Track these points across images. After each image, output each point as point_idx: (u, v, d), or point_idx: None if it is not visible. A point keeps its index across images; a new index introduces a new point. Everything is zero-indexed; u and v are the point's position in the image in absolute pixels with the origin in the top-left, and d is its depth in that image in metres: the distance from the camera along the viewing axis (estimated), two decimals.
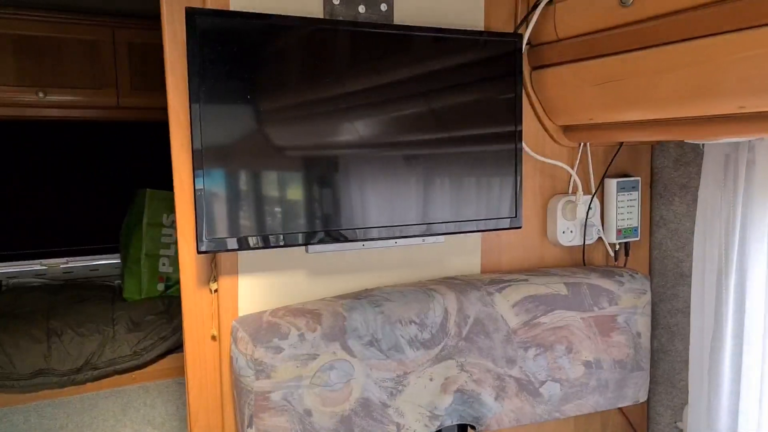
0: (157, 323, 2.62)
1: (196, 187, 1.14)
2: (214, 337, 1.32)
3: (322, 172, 1.25)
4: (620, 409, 1.75)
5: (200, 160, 1.14)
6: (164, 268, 2.92)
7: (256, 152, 1.20)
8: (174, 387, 2.66)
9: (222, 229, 1.18)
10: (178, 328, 2.63)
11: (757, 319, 1.44)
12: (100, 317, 2.58)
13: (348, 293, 1.40)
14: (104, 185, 3.21)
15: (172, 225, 2.94)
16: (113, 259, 3.24)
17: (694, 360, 1.54)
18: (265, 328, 1.23)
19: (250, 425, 1.21)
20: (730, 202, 1.45)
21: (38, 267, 3.11)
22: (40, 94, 2.71)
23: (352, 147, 1.27)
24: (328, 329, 1.26)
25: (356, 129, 1.27)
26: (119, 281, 3.16)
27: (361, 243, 1.34)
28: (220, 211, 1.17)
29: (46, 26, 2.72)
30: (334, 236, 1.28)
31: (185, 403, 2.63)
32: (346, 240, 1.29)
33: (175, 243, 2.93)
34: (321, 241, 1.27)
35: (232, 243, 1.19)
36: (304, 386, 1.23)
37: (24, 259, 3.08)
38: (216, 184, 1.16)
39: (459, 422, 1.43)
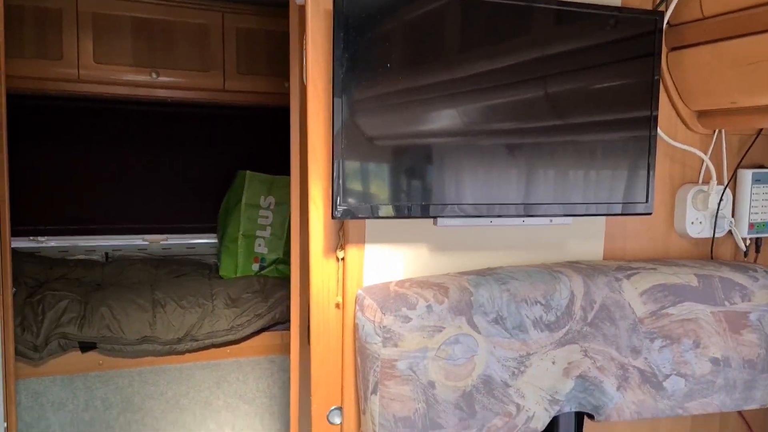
0: (254, 301, 2.69)
1: (334, 153, 1.15)
2: (338, 305, 1.33)
3: (451, 151, 1.24)
4: (740, 412, 1.66)
5: (340, 136, 1.15)
6: (259, 248, 2.99)
7: (391, 130, 1.20)
8: (265, 364, 2.72)
9: (356, 197, 1.19)
10: (273, 306, 2.69)
11: None
12: (200, 292, 2.67)
13: (471, 270, 1.38)
14: (205, 166, 3.32)
15: (270, 207, 3.02)
16: (208, 239, 3.35)
17: None
18: (393, 298, 1.23)
19: (374, 392, 1.21)
20: None
21: (140, 242, 3.25)
22: (153, 75, 2.83)
23: (478, 128, 1.25)
24: (455, 303, 1.25)
25: (484, 110, 1.25)
26: (215, 260, 3.26)
27: (489, 219, 1.32)
28: (354, 179, 1.18)
29: (162, 9, 2.84)
30: (462, 210, 1.26)
31: (276, 381, 2.69)
32: (476, 215, 1.27)
33: (271, 225, 3.00)
34: (450, 214, 1.26)
35: (365, 210, 1.20)
36: (429, 358, 1.22)
37: (127, 234, 3.23)
38: (351, 154, 1.17)
39: (578, 410, 1.39)
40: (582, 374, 1.35)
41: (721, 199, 1.55)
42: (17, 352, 2.27)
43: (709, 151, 1.55)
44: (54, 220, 3.11)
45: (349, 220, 1.29)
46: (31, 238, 3.09)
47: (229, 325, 2.60)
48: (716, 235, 1.57)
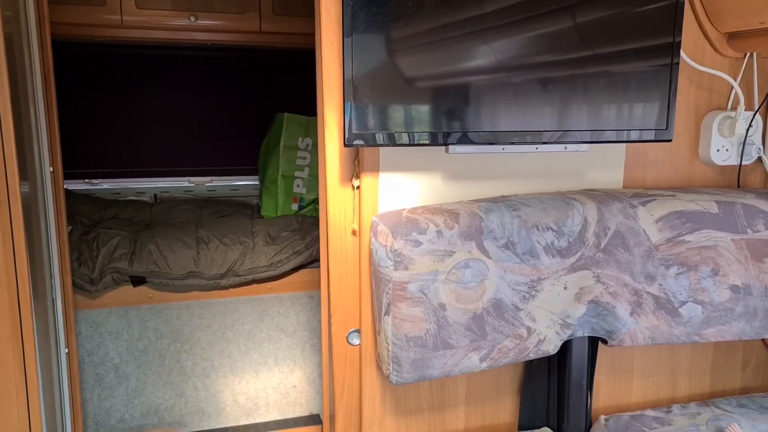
0: (292, 239, 2.79)
1: (345, 78, 1.18)
2: (354, 232, 1.38)
3: (464, 82, 1.25)
4: (765, 342, 1.64)
5: (350, 61, 1.17)
6: (298, 188, 3.07)
7: (403, 57, 1.21)
8: (305, 300, 2.83)
9: (368, 125, 1.22)
10: (311, 244, 2.78)
11: None
12: (242, 230, 2.78)
13: (485, 198, 1.41)
14: (245, 110, 3.40)
15: (307, 148, 3.07)
16: (252, 180, 3.45)
17: None
18: (404, 223, 1.27)
19: (387, 313, 1.27)
20: None
21: (186, 184, 3.39)
22: (192, 18, 2.88)
23: (493, 63, 1.25)
24: (465, 228, 1.28)
25: (499, 45, 1.25)
26: (257, 201, 3.37)
27: (501, 147, 1.34)
28: (367, 106, 1.21)
29: None
30: (474, 138, 1.28)
31: (315, 315, 2.80)
32: (486, 142, 1.28)
33: (309, 166, 3.07)
34: (460, 141, 1.27)
35: (378, 137, 1.23)
36: (439, 281, 1.27)
37: (174, 176, 3.37)
38: (364, 80, 1.19)
39: (591, 334, 1.42)
40: (594, 299, 1.37)
41: (750, 125, 1.50)
42: (75, 285, 2.45)
43: (739, 76, 1.50)
44: (106, 164, 3.28)
45: (363, 149, 1.33)
46: (87, 180, 3.27)
47: (269, 261, 2.70)
48: (744, 163, 1.53)
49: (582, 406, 1.48)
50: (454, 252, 1.27)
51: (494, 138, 1.28)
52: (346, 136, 1.21)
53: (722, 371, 1.66)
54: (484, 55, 1.25)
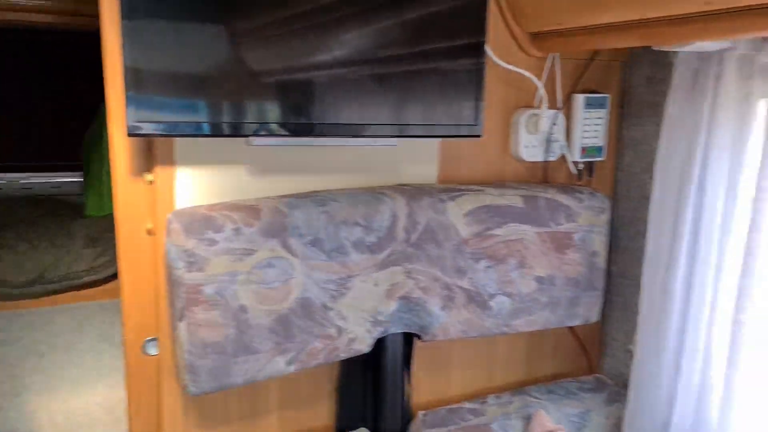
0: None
1: (125, 62, 1.06)
2: (150, 231, 1.26)
3: (260, 70, 1.17)
4: (573, 330, 1.73)
5: (130, 38, 1.05)
6: None
7: (189, 34, 1.11)
8: None
9: (152, 113, 1.10)
10: None
11: (712, 238, 1.40)
12: (56, 231, 2.52)
13: (293, 193, 1.34)
14: (63, 100, 3.09)
15: None
16: (74, 177, 3.15)
17: (648, 281, 1.52)
18: (199, 221, 1.17)
19: (181, 318, 1.17)
20: (695, 119, 1.40)
21: None
22: None
23: (288, 53, 1.18)
24: (266, 225, 1.20)
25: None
26: (83, 198, 3.09)
27: (308, 140, 1.28)
28: (151, 93, 1.09)
29: None
30: (275, 130, 1.19)
31: None
32: (289, 134, 1.21)
33: None
34: (259, 133, 1.19)
35: (162, 127, 1.11)
36: (239, 282, 1.19)
37: None
38: (146, 65, 1.08)
39: (404, 330, 1.40)
40: (405, 295, 1.36)
41: (554, 123, 1.57)
42: None
43: (544, 76, 1.56)
44: None
45: (156, 140, 1.21)
46: None
47: (88, 265, 2.47)
48: (549, 159, 1.60)
49: (398, 404, 1.46)
50: (255, 251, 1.19)
51: (297, 129, 1.22)
52: (129, 124, 1.09)
53: (535, 360, 1.72)
54: (273, 45, 1.18)
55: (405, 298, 1.36)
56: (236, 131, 1.17)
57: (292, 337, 1.25)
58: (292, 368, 1.26)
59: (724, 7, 1.06)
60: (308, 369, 1.30)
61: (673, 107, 1.45)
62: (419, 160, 1.48)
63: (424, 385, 1.58)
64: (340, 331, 1.30)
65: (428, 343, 1.49)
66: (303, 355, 1.27)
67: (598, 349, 1.78)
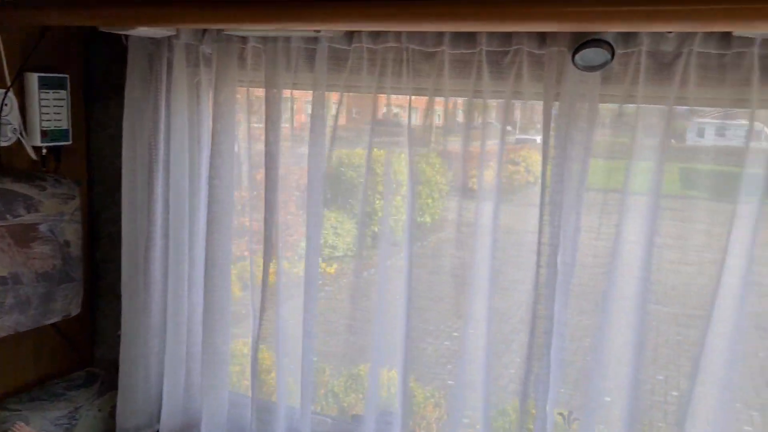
0: None
1: None
2: None
3: None
4: (56, 327, 1.61)
5: None
6: None
7: None
8: None
9: None
10: None
11: (183, 216, 1.49)
12: None
13: None
14: None
15: None
16: None
17: (127, 263, 1.52)
18: None
19: None
20: (155, 102, 1.44)
21: None
22: None
23: None
24: None
25: None
26: None
27: None
28: None
29: None
30: None
31: None
32: None
33: None
34: None
35: None
36: None
37: None
38: None
39: None
40: None
41: (5, 104, 1.39)
42: None
43: None
44: None
45: None
46: None
47: None
48: (3, 144, 1.42)
49: None
50: None
51: None
52: None
53: (15, 368, 1.54)
54: None
55: None
56: None
57: None
58: None
59: None
60: None
61: (133, 90, 1.47)
62: None
63: None
64: None
65: None
66: None
67: (90, 340, 1.71)
